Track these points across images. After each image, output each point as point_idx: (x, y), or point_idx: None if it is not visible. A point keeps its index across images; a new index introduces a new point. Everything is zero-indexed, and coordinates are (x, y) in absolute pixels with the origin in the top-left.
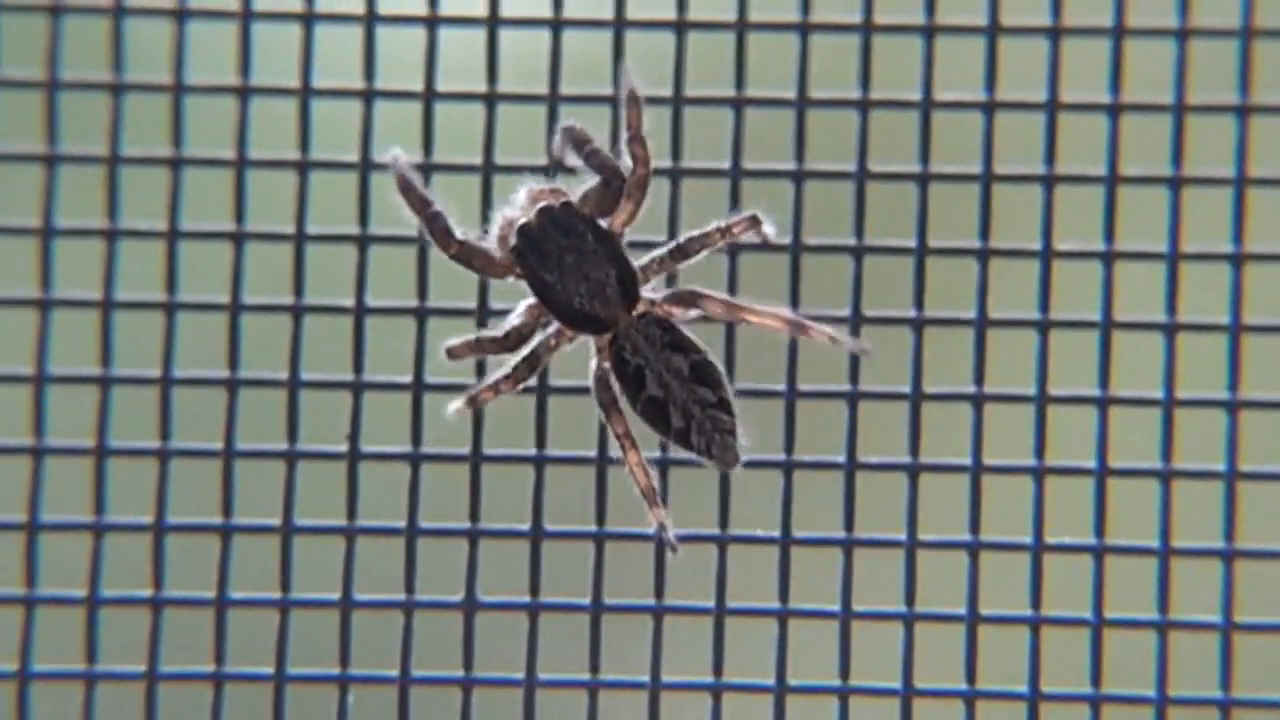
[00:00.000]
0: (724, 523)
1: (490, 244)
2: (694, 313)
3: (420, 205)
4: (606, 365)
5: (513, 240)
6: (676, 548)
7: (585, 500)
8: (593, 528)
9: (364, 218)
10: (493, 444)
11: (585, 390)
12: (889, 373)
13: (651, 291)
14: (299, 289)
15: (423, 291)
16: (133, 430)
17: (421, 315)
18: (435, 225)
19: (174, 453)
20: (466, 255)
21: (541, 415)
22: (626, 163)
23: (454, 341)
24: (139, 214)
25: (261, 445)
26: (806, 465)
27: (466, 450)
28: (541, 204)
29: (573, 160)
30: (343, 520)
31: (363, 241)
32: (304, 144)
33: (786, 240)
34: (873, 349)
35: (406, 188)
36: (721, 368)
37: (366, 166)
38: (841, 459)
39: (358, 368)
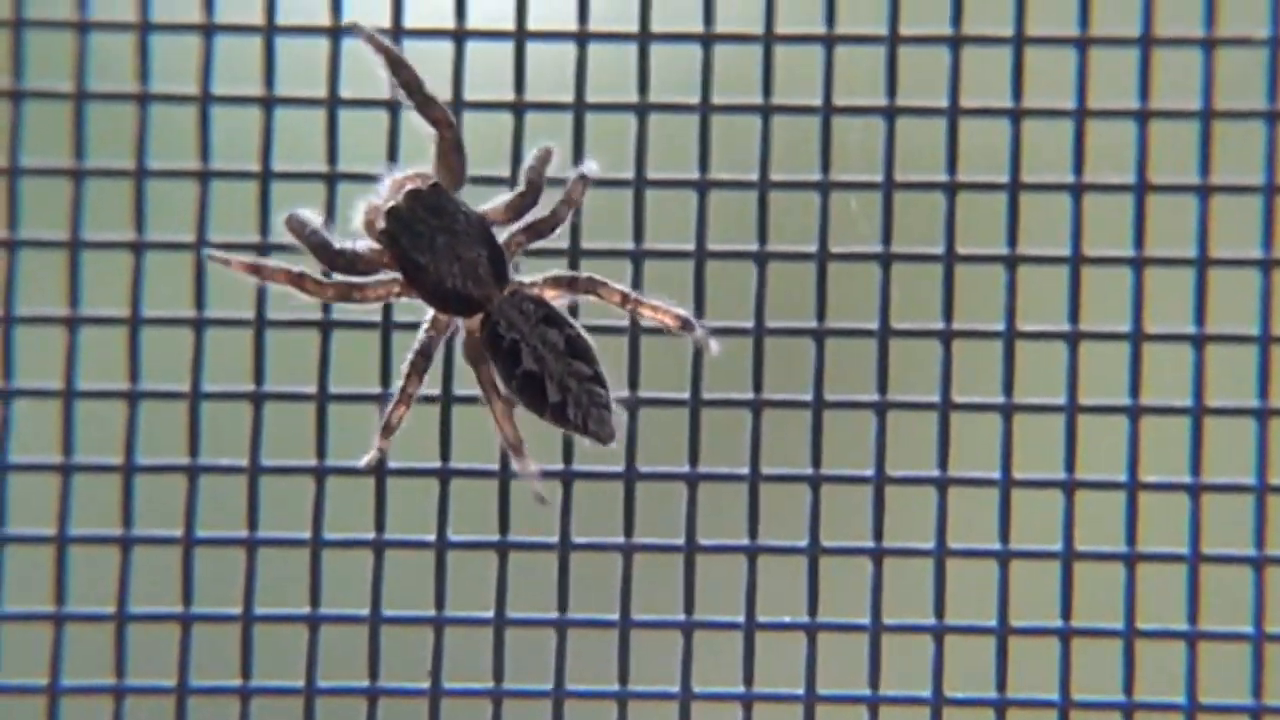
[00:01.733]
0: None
1: (360, 241)
2: (568, 298)
3: (299, 229)
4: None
5: (381, 224)
6: (545, 499)
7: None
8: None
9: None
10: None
11: None
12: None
13: (517, 272)
14: (321, 451)
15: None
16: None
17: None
18: (314, 242)
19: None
20: (350, 264)
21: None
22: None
23: (273, 263)
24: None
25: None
26: (773, 479)
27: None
28: (408, 187)
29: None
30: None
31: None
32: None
33: (626, 175)
34: (718, 350)
35: (290, 221)
36: (594, 343)
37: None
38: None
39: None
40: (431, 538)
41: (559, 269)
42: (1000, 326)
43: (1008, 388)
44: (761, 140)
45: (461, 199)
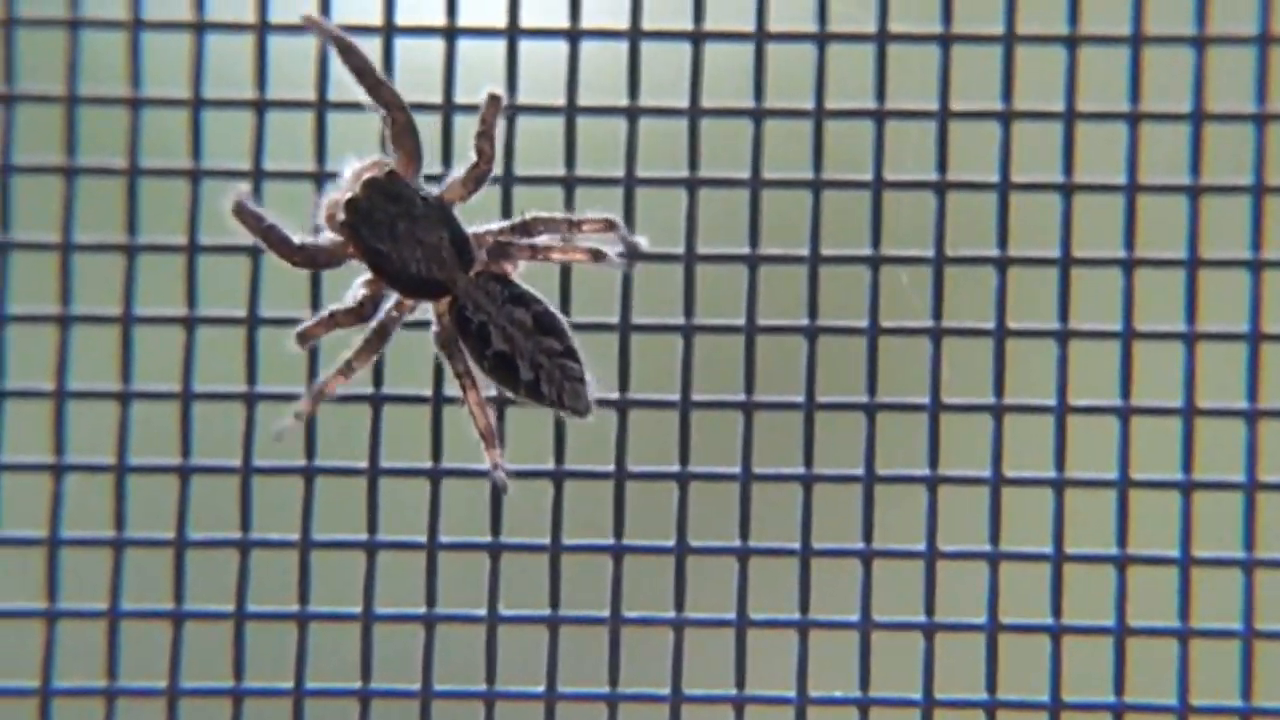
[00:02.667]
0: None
1: (322, 235)
2: (524, 262)
3: (254, 222)
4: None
5: (341, 216)
6: (507, 487)
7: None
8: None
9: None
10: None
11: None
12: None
13: (484, 252)
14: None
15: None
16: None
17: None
18: (273, 237)
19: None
20: (310, 258)
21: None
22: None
23: (306, 324)
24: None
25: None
26: (823, 553)
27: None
28: (365, 177)
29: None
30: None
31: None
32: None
33: (676, 250)
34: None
35: (240, 211)
36: (564, 318)
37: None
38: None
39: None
40: (482, 611)
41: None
42: (1052, 401)
43: (1059, 463)
44: (812, 215)
45: (420, 183)
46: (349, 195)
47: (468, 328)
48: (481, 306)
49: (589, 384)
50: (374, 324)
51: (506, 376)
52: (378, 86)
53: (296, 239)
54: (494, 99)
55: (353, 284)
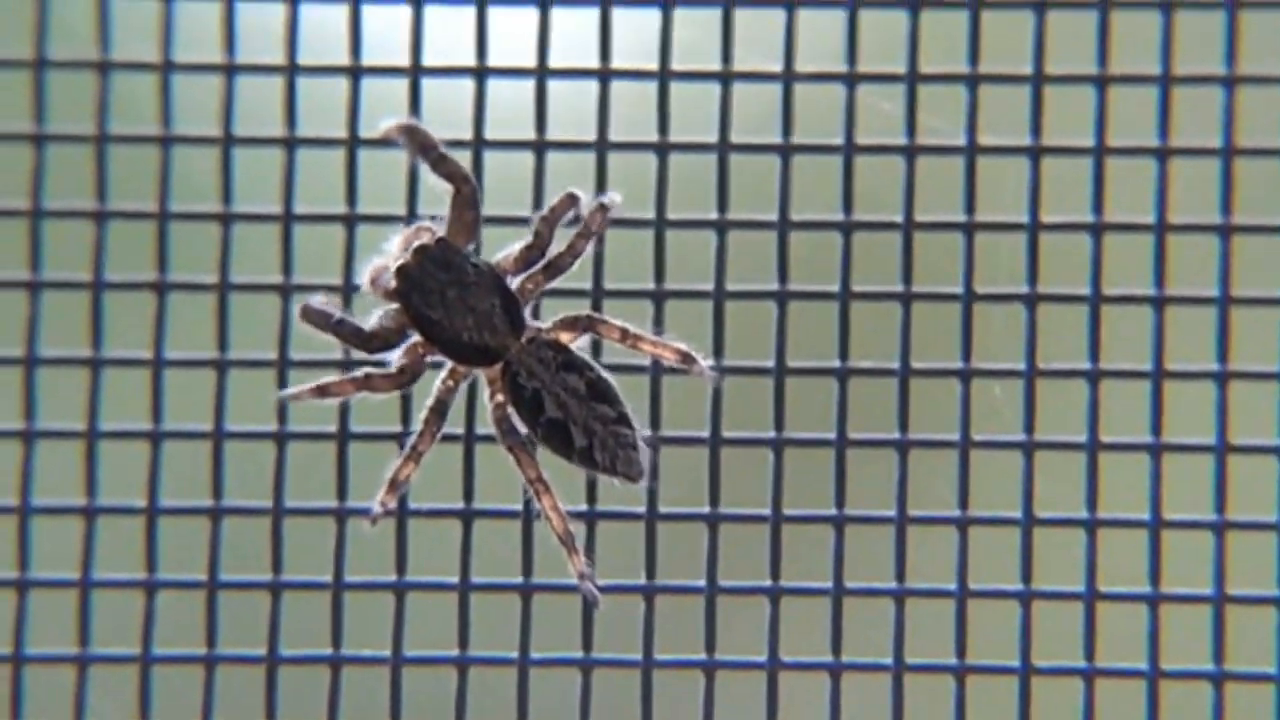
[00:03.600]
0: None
1: (379, 313)
2: (585, 338)
3: (324, 320)
4: (501, 398)
5: (392, 284)
6: (599, 601)
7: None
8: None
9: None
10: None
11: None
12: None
13: (535, 319)
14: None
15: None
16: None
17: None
18: (345, 331)
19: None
20: (383, 340)
21: None
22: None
23: (337, 378)
24: None
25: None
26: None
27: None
28: (416, 244)
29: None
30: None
31: None
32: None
33: (646, 216)
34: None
35: (307, 313)
36: (616, 384)
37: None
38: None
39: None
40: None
41: (568, 312)
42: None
43: (1091, 503)
44: (902, 328)
45: (472, 251)
46: (400, 262)
47: (521, 395)
48: (534, 373)
49: (642, 450)
50: (430, 402)
51: (560, 444)
52: (441, 160)
53: (366, 328)
54: (571, 198)
55: (395, 352)
